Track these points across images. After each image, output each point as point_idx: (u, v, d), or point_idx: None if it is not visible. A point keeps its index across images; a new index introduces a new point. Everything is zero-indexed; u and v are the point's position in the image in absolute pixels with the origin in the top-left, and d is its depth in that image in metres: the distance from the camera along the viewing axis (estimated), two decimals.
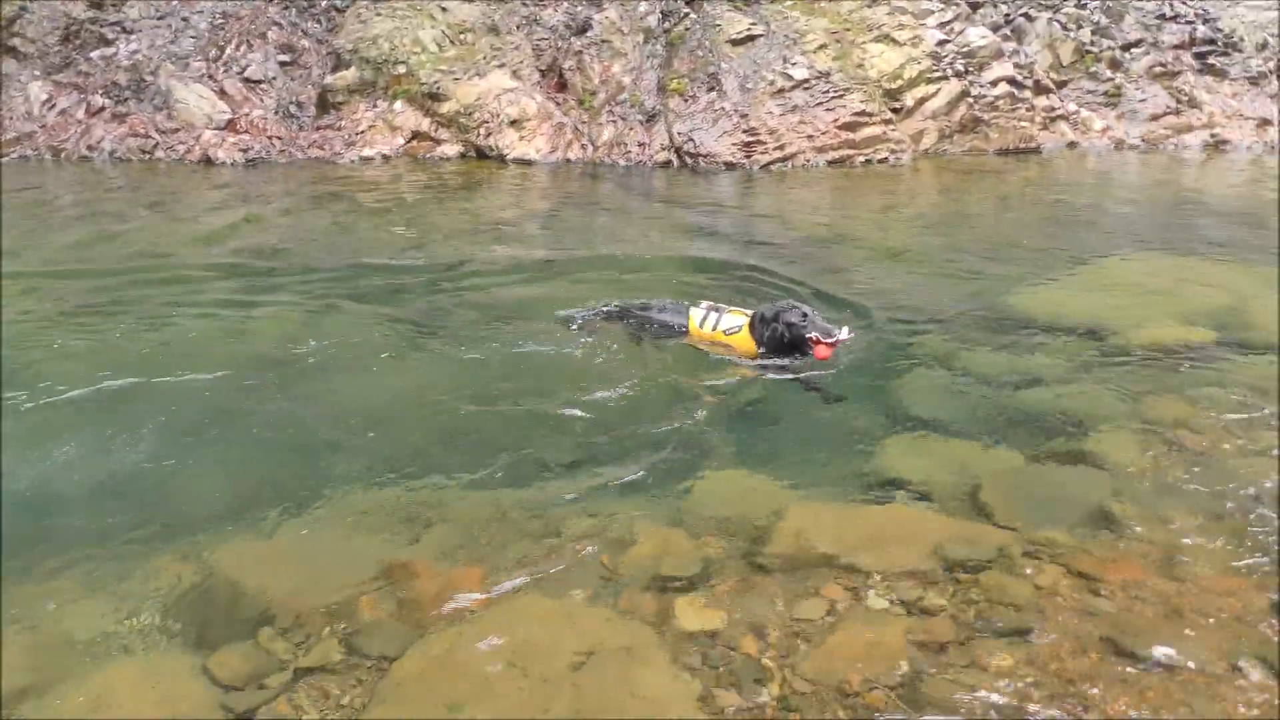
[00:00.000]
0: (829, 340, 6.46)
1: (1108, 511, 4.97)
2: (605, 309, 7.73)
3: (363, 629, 4.07)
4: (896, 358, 7.14)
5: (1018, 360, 7.12)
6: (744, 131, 14.99)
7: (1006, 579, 4.38)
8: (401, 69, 15.73)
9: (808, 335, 6.50)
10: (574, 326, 7.61)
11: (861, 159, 15.25)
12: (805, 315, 6.56)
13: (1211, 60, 17.85)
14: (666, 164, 14.88)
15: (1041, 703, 3.61)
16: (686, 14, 16.40)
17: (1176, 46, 17.82)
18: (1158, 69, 17.60)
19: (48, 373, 6.65)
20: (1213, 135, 17.12)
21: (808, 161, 15.00)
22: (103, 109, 15.58)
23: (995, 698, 3.64)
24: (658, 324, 7.23)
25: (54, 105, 15.74)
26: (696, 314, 7.07)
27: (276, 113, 15.80)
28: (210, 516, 4.97)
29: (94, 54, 16.22)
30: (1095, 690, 3.67)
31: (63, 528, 4.87)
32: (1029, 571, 4.44)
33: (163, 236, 10.59)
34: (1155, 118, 17.23)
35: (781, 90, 15.44)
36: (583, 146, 15.32)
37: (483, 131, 15.28)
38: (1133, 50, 17.68)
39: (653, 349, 7.16)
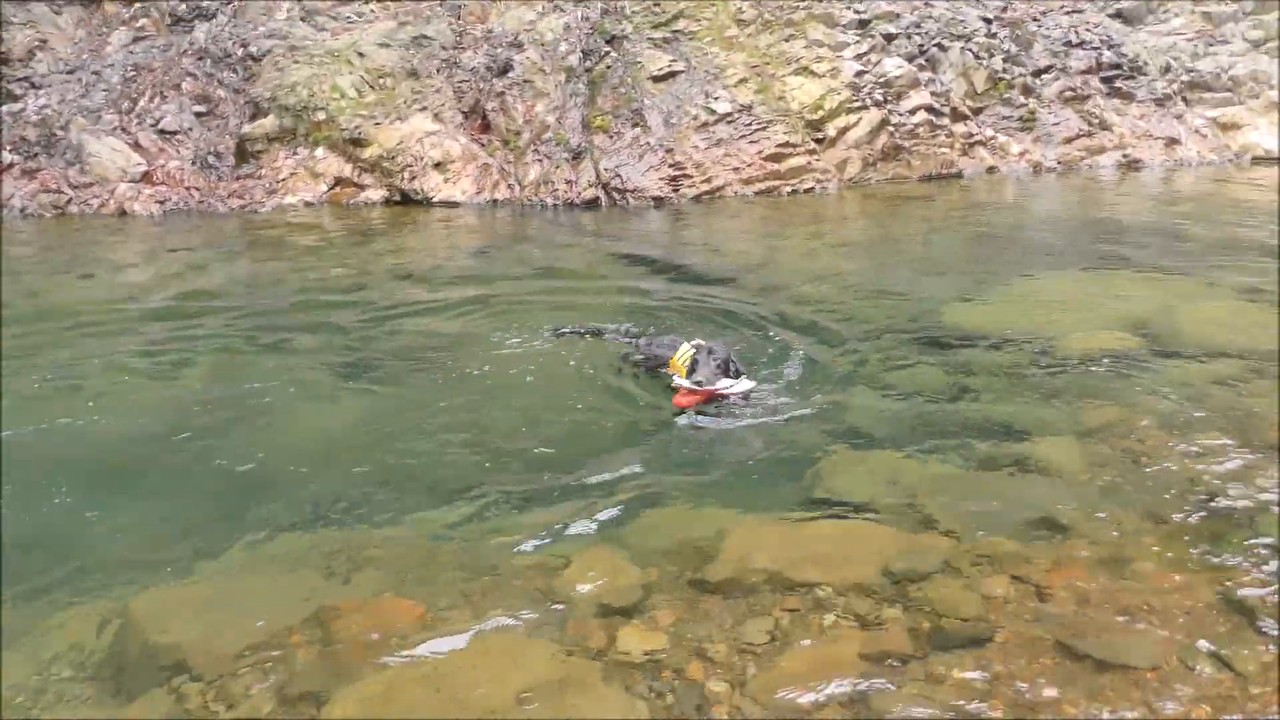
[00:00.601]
0: (690, 387, 6.25)
1: (1050, 516, 4.93)
2: (598, 327, 8.09)
3: (290, 674, 3.84)
4: (831, 377, 7.10)
5: (952, 375, 7.12)
6: (670, 166, 15.02)
7: (955, 590, 4.29)
8: (321, 115, 15.53)
9: (675, 379, 6.41)
10: (562, 332, 8.07)
11: (788, 189, 15.36)
12: (696, 361, 6.35)
13: (1119, 84, 18.36)
14: (594, 201, 14.83)
15: (1000, 710, 3.51)
16: (607, 53, 16.45)
17: (1084, 71, 18.30)
18: (1068, 93, 18.05)
19: None
20: (1125, 155, 17.57)
21: (735, 193, 15.07)
22: (11, 165, 15.12)
23: (952, 709, 3.54)
24: (654, 354, 7.19)
25: None
26: (684, 349, 6.90)
27: (194, 163, 15.47)
28: (130, 566, 4.73)
29: (1, 109, 15.76)
30: (1052, 693, 3.58)
31: None
32: (977, 581, 4.36)
33: (79, 287, 10.22)
34: (1069, 140, 17.65)
35: (705, 124, 15.54)
36: (509, 187, 15.22)
37: (407, 175, 15.11)
38: (1043, 76, 18.12)
39: (590, 380, 7.08)
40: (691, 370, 6.32)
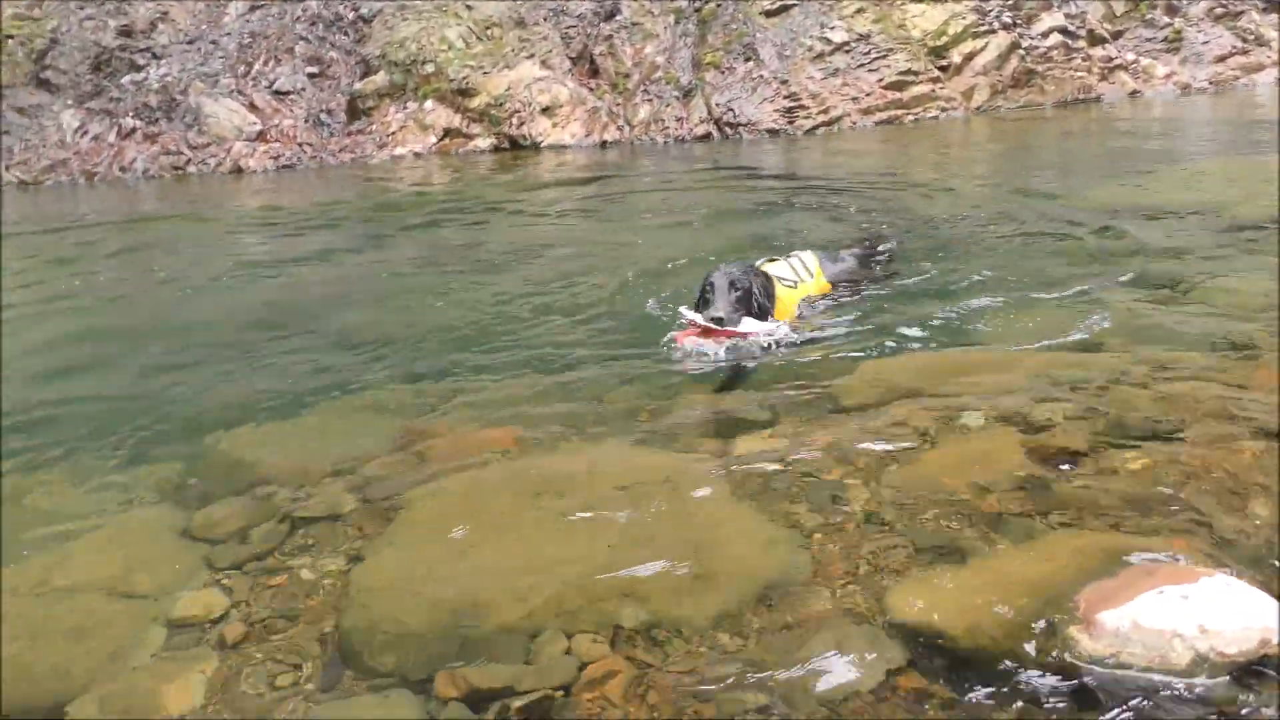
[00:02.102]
0: (704, 324, 4.50)
1: (1234, 339, 4.20)
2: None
3: (372, 481, 3.44)
4: (972, 253, 6.41)
5: (1105, 240, 6.36)
6: (785, 97, 14.36)
7: (1134, 393, 3.60)
8: (430, 68, 15.39)
9: (684, 313, 4.67)
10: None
11: (910, 118, 14.52)
12: (711, 287, 4.63)
13: None
14: (706, 136, 14.29)
15: (1193, 494, 2.83)
16: None
17: None
18: (1218, 10, 16.66)
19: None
20: None
21: (854, 123, 14.31)
22: (134, 131, 15.43)
23: (1138, 495, 2.87)
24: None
25: (86, 131, 15.62)
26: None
27: (306, 121, 15.54)
28: (222, 411, 4.43)
29: (124, 79, 16.14)
30: (1260, 477, 2.88)
31: (72, 432, 4.32)
32: (1158, 385, 3.66)
33: (202, 222, 10.24)
34: (1221, 59, 16.27)
35: (821, 55, 14.81)
36: (619, 128, 14.79)
37: (515, 121, 14.83)
38: None
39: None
40: (703, 303, 4.66)
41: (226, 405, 4.53)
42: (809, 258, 5.47)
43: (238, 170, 14.63)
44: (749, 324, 4.53)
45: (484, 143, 14.95)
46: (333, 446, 3.85)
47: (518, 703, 2.25)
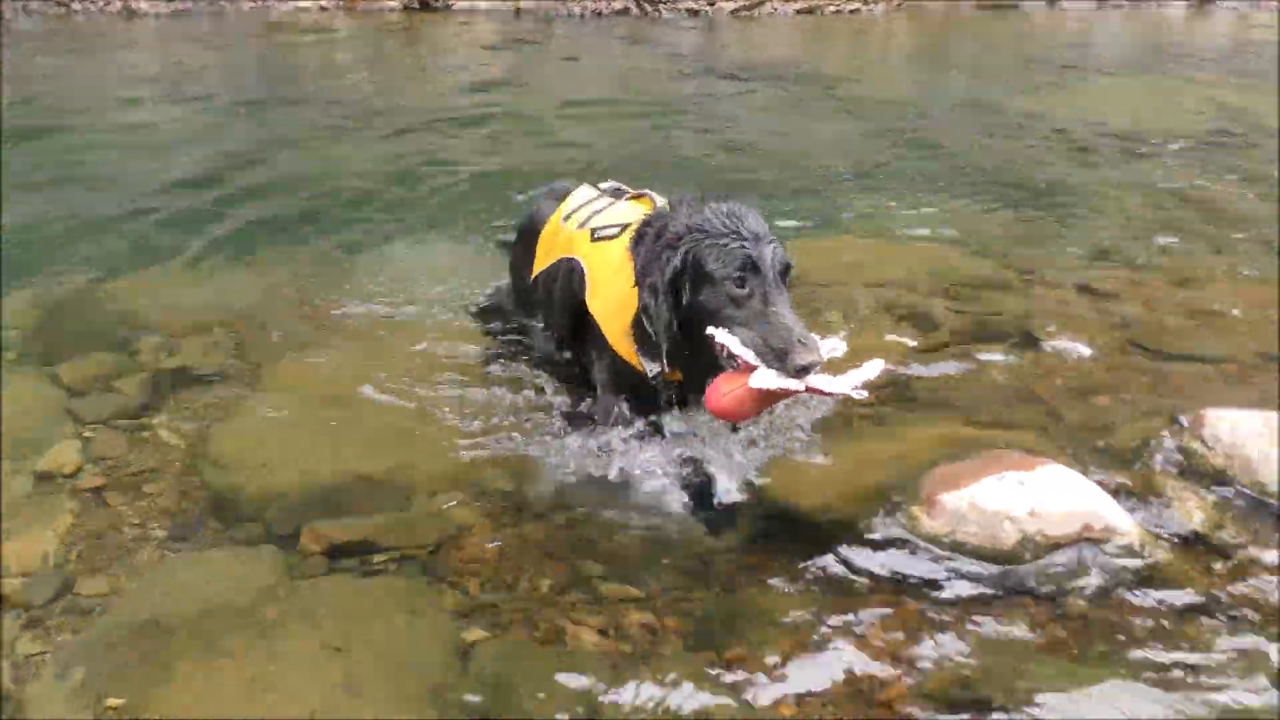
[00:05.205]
0: (767, 385, 2.19)
1: (1114, 247, 4.42)
2: None
3: (248, 341, 3.42)
4: (875, 149, 6.47)
5: (1015, 147, 6.50)
6: None
7: (1004, 295, 3.74)
8: None
9: (715, 337, 2.31)
10: None
11: (831, 9, 14.37)
12: (757, 262, 2.37)
13: None
14: (624, 11, 13.93)
15: (1049, 391, 2.99)
16: None
17: None
18: None
19: None
20: None
21: (775, 10, 14.11)
22: None
23: (998, 390, 3.01)
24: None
25: None
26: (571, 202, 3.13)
27: None
28: (106, 261, 4.23)
29: None
30: (1119, 381, 3.05)
31: None
32: (1034, 291, 3.81)
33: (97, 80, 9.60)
34: None
35: None
36: None
37: None
38: None
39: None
40: (728, 308, 2.36)
41: (113, 255, 4.35)
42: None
43: (129, 14, 13.77)
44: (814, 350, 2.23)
45: (393, 1, 14.33)
46: (214, 302, 3.77)
47: (384, 555, 2.31)
